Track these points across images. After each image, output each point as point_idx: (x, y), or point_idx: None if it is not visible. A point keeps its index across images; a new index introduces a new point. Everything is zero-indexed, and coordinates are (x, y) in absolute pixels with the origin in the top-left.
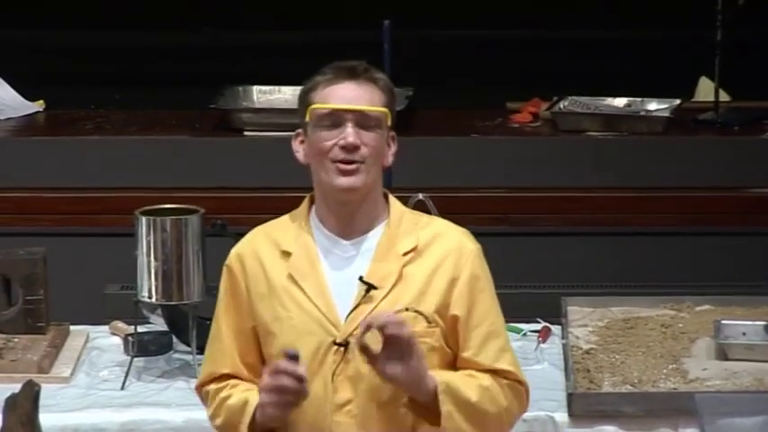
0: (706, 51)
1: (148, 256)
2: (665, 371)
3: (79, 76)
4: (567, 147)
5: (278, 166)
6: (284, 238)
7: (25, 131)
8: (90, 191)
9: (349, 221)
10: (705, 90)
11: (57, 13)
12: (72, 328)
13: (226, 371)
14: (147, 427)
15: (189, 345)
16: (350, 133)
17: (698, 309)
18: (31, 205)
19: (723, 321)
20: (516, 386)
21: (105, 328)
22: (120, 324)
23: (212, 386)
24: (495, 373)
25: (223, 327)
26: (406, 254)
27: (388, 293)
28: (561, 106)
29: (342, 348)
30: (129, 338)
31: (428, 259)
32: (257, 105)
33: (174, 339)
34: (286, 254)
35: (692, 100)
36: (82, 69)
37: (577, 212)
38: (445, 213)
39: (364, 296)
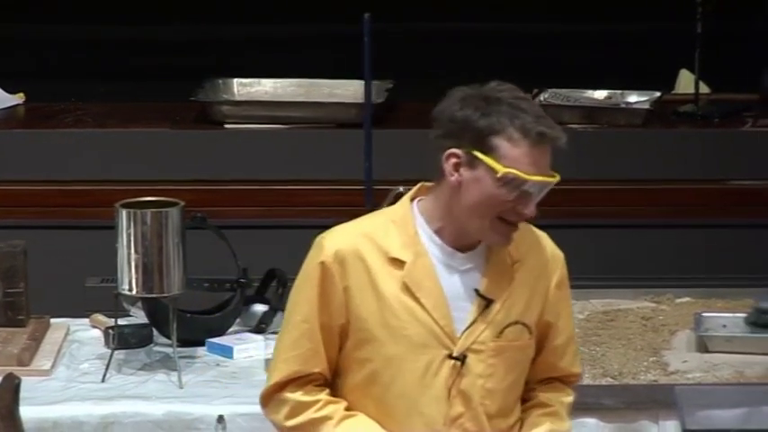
0: (686, 44)
1: (129, 248)
2: (645, 363)
3: (59, 69)
4: None
5: (258, 159)
6: (390, 244)
7: (5, 124)
8: (70, 183)
9: (469, 241)
10: (685, 82)
11: (37, 5)
12: (52, 320)
13: (317, 370)
14: (128, 420)
15: (169, 337)
16: (533, 210)
17: (678, 301)
18: (12, 198)
19: (703, 314)
20: (574, 389)
21: (86, 320)
22: (100, 317)
23: (294, 395)
24: (567, 376)
25: (316, 326)
26: (513, 264)
27: (501, 306)
28: (541, 99)
29: (458, 362)
30: (110, 331)
31: (529, 268)
32: (237, 98)
33: (155, 332)
34: (396, 261)
35: (673, 92)
36: (62, 62)
37: (558, 205)
38: None
39: (483, 311)
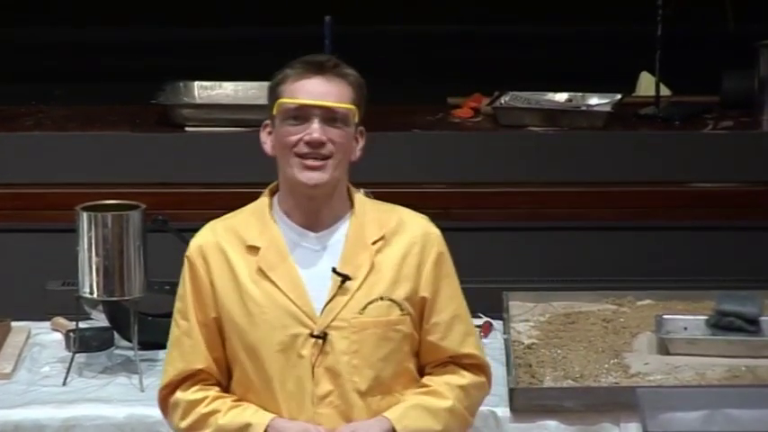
0: (647, 46)
1: (90, 251)
2: (606, 365)
3: (19, 72)
4: (509, 142)
5: (219, 162)
6: (248, 233)
7: None
8: (31, 187)
9: (316, 215)
10: (646, 85)
11: None
12: (13, 324)
13: (200, 366)
14: (89, 423)
15: (130, 341)
16: (315, 129)
17: (639, 303)
18: None
19: (664, 316)
20: (479, 373)
21: (46, 324)
22: (61, 320)
23: (184, 395)
24: (458, 357)
25: (193, 321)
26: (374, 243)
27: (362, 283)
28: (502, 101)
29: (320, 340)
30: (71, 334)
31: (396, 247)
32: (198, 101)
33: (116, 335)
34: (253, 248)
35: (633, 95)
36: (21, 65)
37: (519, 207)
38: None
39: (340, 287)
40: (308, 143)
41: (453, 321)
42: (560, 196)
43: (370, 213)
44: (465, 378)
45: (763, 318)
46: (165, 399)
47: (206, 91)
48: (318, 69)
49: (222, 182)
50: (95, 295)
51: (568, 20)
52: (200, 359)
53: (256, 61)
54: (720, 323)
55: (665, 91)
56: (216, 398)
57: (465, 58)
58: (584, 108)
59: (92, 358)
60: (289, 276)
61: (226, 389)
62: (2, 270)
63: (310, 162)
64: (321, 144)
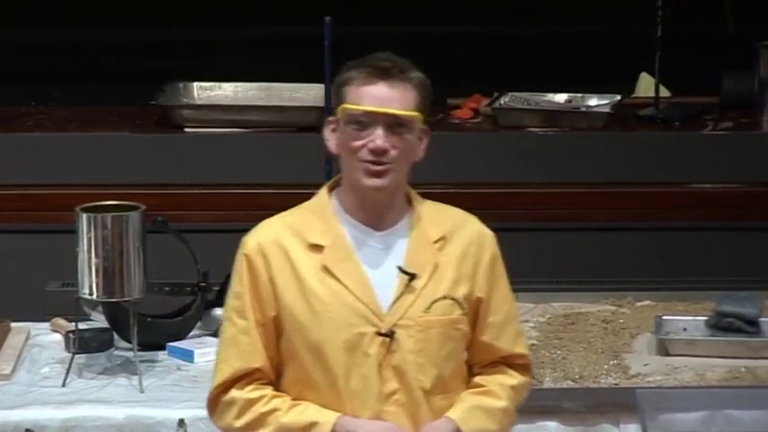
0: (646, 47)
1: (89, 252)
2: (606, 366)
3: (19, 73)
4: (508, 142)
5: (218, 163)
6: (310, 231)
7: None
8: (31, 187)
9: (380, 214)
10: (645, 86)
11: None
12: (13, 324)
13: (257, 365)
14: (89, 424)
15: (130, 341)
16: (379, 136)
17: (639, 304)
18: None
19: (664, 317)
20: (525, 373)
21: (46, 325)
22: (61, 321)
23: (241, 394)
24: (509, 357)
25: (251, 319)
26: (436, 242)
27: (427, 282)
28: (502, 102)
29: (387, 339)
30: (70, 335)
31: (455, 246)
32: (198, 102)
33: (116, 336)
34: (316, 246)
35: (633, 96)
36: (22, 66)
37: (518, 208)
38: None
39: (407, 285)
40: (372, 151)
41: (506, 322)
42: (560, 197)
43: (428, 213)
44: (515, 378)
45: (762, 319)
46: (216, 398)
47: (205, 92)
48: (384, 74)
49: (222, 182)
50: (95, 296)
51: (568, 20)
52: (258, 358)
53: (256, 62)
54: (720, 324)
55: (664, 92)
56: (274, 396)
57: (464, 59)
58: (583, 109)
59: (91, 359)
60: (355, 274)
61: (276, 389)
62: (2, 271)
63: (374, 168)
64: (384, 152)
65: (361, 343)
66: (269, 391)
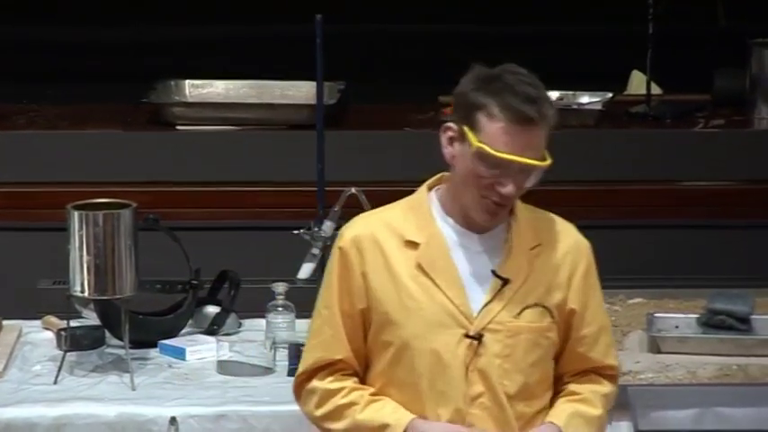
0: (638, 45)
1: (81, 250)
2: None
3: (11, 72)
4: None
5: (210, 161)
6: (406, 228)
7: None
8: (22, 185)
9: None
10: (637, 83)
11: None
12: (4, 322)
13: (339, 356)
14: (80, 422)
15: (121, 339)
16: (510, 183)
17: (630, 302)
18: None
19: (656, 314)
20: (614, 383)
21: (38, 322)
22: (52, 319)
23: (321, 384)
24: (601, 368)
25: (336, 311)
26: (533, 248)
27: (520, 288)
28: None
29: (475, 342)
30: (62, 333)
31: (551, 254)
32: (189, 99)
33: (107, 334)
34: (411, 243)
35: (624, 93)
36: (14, 64)
37: None
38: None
39: (499, 290)
40: (500, 195)
41: (600, 333)
42: (551, 194)
43: (526, 219)
44: (606, 387)
45: (754, 316)
46: (300, 385)
47: (197, 89)
48: (528, 122)
49: (213, 180)
50: (87, 294)
51: (559, 18)
52: (341, 349)
53: (248, 60)
54: (712, 321)
55: (656, 89)
56: (353, 389)
57: (456, 57)
58: (575, 106)
59: (83, 357)
60: (449, 274)
61: (362, 380)
62: None
63: (494, 208)
64: (511, 197)
65: (448, 344)
66: (349, 383)
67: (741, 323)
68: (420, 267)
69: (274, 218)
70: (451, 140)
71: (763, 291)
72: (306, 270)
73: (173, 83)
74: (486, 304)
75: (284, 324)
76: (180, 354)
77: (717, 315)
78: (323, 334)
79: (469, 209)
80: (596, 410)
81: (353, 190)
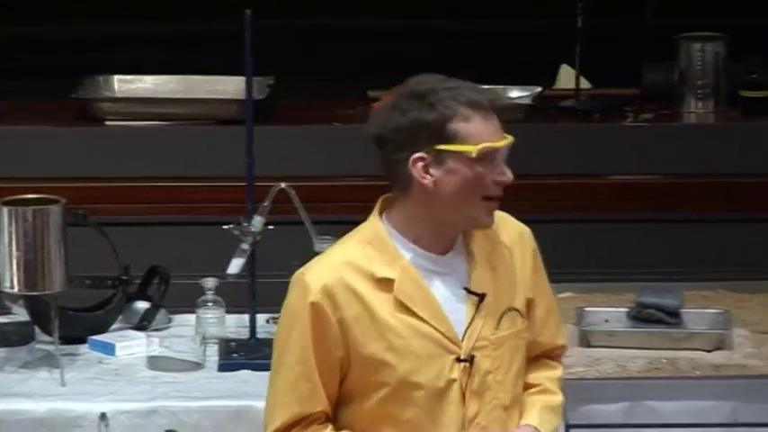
0: (567, 39)
1: (10, 246)
2: None
3: None
4: None
5: (139, 156)
6: (374, 266)
7: None
8: None
9: (452, 240)
10: (566, 78)
11: None
12: None
13: (319, 408)
14: (10, 418)
15: (51, 335)
16: (510, 173)
17: (560, 296)
18: None
19: (585, 308)
20: (561, 360)
21: None
22: None
23: None
24: (550, 350)
25: (313, 364)
26: (489, 253)
27: (491, 299)
28: None
29: (468, 364)
30: None
31: (503, 252)
32: (118, 95)
33: (37, 329)
34: (385, 281)
35: (554, 87)
36: None
37: None
38: (307, 202)
39: (478, 307)
40: (503, 184)
41: (548, 316)
42: None
43: None
44: (558, 370)
45: (683, 310)
46: None
47: (126, 85)
48: (493, 107)
49: (142, 176)
50: (16, 289)
51: (488, 13)
52: (319, 402)
53: (177, 56)
54: (641, 315)
55: (585, 83)
56: None
57: (385, 52)
58: (504, 101)
59: (12, 353)
60: (428, 304)
61: (335, 419)
62: None
63: (496, 204)
64: (509, 182)
65: (443, 371)
66: (329, 429)
67: (670, 317)
68: (400, 303)
69: (204, 213)
70: (426, 169)
71: (691, 284)
72: (235, 265)
73: (101, 78)
74: (469, 324)
75: (214, 319)
76: (109, 349)
77: (646, 309)
78: (299, 388)
79: (469, 221)
80: (558, 397)
81: (283, 185)
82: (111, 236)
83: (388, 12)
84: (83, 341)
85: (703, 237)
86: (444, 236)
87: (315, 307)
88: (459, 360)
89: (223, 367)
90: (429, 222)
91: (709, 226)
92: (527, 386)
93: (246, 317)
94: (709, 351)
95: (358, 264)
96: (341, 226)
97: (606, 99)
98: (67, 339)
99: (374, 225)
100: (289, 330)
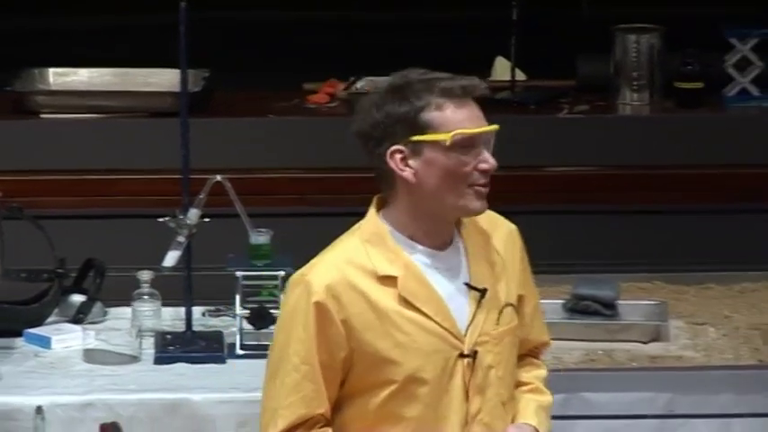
0: (502, 31)
1: None
2: None
3: None
4: None
5: (75, 149)
6: (376, 263)
7: None
8: None
9: (448, 236)
10: (501, 69)
11: None
12: None
13: (321, 410)
14: None
15: None
16: (492, 159)
17: None
18: None
19: None
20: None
21: None
22: None
23: None
24: (535, 348)
25: (316, 364)
26: (485, 248)
27: (491, 294)
28: (358, 86)
29: (471, 359)
30: None
31: (497, 248)
32: (53, 87)
33: None
34: (389, 278)
35: (489, 79)
36: None
37: (373, 192)
38: (243, 195)
39: (480, 302)
40: (485, 172)
41: (535, 313)
42: None
43: (468, 222)
44: (544, 369)
45: (619, 301)
46: None
47: (61, 78)
48: (469, 91)
49: (78, 168)
50: None
51: (424, 4)
52: (322, 403)
53: (112, 48)
54: (577, 307)
55: (520, 75)
56: None
57: (320, 44)
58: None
59: None
60: (432, 301)
61: (334, 421)
62: None
63: (484, 190)
64: (493, 169)
65: (447, 367)
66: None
67: (606, 308)
68: (404, 300)
69: (139, 206)
70: (404, 161)
71: (628, 276)
72: (171, 258)
73: (36, 71)
74: (471, 319)
75: (150, 312)
76: (45, 343)
77: (582, 300)
78: (304, 390)
79: (457, 211)
80: (548, 396)
81: (219, 177)
82: (46, 229)
83: (323, 4)
84: (18, 334)
85: (639, 228)
86: (439, 230)
87: (319, 307)
88: (462, 356)
89: (159, 360)
90: (421, 218)
91: (645, 217)
92: (518, 384)
93: (182, 310)
94: (645, 343)
95: (360, 262)
96: (276, 218)
97: (541, 91)
98: (3, 332)
99: (373, 223)
100: (290, 331)
